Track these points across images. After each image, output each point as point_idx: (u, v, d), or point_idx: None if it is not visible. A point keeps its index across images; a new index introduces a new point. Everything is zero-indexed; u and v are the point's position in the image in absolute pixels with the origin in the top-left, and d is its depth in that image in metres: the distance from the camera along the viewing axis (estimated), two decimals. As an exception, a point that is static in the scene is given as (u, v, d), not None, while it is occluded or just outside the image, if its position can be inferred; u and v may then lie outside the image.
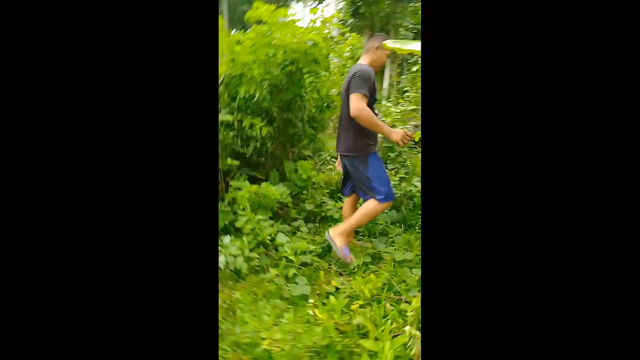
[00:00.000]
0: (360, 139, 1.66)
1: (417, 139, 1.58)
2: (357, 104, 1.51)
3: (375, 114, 1.69)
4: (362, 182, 1.69)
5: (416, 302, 1.33)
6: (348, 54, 3.09)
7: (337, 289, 1.57)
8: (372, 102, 1.63)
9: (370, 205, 1.64)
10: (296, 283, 1.48)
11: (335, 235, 1.66)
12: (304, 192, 2.31)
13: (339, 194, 2.62)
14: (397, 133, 1.53)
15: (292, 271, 1.55)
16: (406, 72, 6.66)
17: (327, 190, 2.47)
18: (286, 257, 1.64)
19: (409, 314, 1.29)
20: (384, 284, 1.51)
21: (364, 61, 1.71)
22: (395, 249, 1.80)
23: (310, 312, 1.33)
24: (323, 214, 2.24)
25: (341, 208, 2.41)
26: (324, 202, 2.33)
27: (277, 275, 1.53)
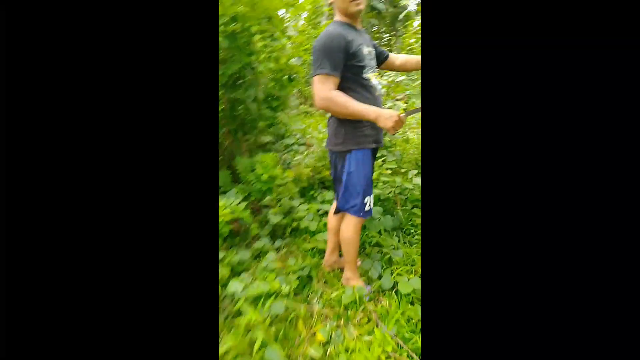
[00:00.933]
0: (341, 129, 1.17)
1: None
2: (319, 91, 1.06)
3: (367, 85, 1.15)
4: (335, 180, 1.29)
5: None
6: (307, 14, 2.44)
7: (325, 344, 1.10)
8: (354, 70, 1.09)
9: (346, 230, 1.31)
10: None
11: (347, 281, 1.39)
12: (267, 196, 1.75)
13: (312, 192, 2.08)
14: (386, 117, 1.01)
15: (259, 337, 1.03)
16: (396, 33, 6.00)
17: (297, 189, 1.93)
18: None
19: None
20: (393, 336, 1.06)
21: (335, 16, 1.16)
22: (395, 274, 1.35)
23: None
24: (295, 224, 1.71)
25: (318, 211, 1.89)
26: (293, 207, 1.80)
27: (232, 350, 1.00)
